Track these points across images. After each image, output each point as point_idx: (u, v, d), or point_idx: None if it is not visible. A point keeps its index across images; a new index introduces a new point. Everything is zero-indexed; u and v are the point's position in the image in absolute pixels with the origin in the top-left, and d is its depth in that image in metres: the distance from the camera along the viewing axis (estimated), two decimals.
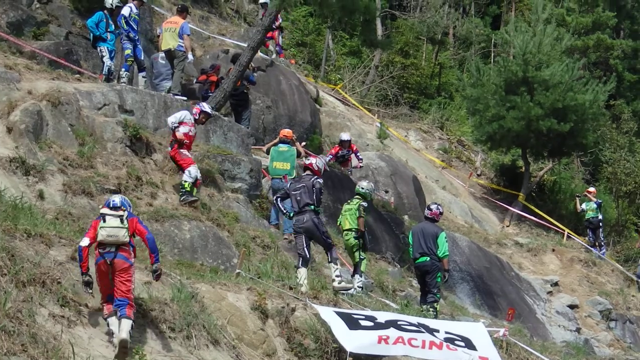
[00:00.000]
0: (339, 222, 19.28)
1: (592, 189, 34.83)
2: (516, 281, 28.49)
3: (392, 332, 14.21)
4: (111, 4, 21.62)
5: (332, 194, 24.51)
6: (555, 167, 40.24)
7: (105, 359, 11.00)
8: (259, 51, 27.17)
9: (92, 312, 11.65)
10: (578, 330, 27.59)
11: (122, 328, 11.12)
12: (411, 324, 14.79)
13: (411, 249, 18.91)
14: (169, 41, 22.73)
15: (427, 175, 35.73)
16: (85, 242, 11.40)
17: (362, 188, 19.21)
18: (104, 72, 21.37)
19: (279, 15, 29.78)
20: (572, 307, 28.65)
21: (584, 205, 33.53)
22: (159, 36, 24.51)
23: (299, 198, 17.02)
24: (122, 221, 11.56)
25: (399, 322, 14.69)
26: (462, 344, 14.81)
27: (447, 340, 14.67)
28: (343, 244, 19.65)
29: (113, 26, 21.50)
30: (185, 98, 22.39)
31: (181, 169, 18.51)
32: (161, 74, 24.36)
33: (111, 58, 21.42)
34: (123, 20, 21.60)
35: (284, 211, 17.68)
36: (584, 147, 37.80)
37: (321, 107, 34.41)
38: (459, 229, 30.79)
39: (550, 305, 28.55)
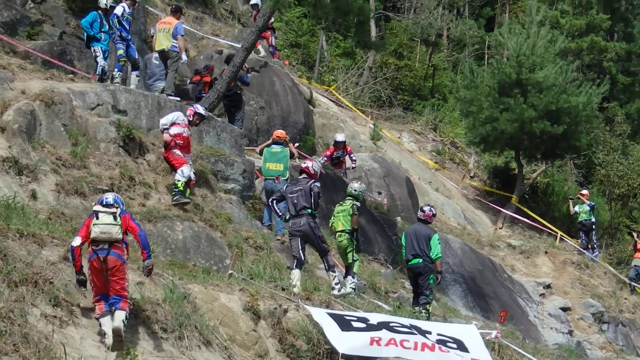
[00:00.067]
0: (330, 224, 19.25)
1: (585, 192, 34.90)
2: (509, 283, 28.51)
3: (384, 334, 14.22)
4: (105, 4, 21.60)
5: (325, 195, 24.36)
6: (548, 170, 40.26)
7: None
8: (252, 52, 27.13)
9: (84, 312, 11.64)
10: (570, 332, 27.62)
11: (116, 317, 11.23)
12: (403, 326, 14.79)
13: (404, 251, 18.91)
14: (162, 42, 22.72)
15: (420, 176, 35.75)
16: (77, 241, 11.43)
17: (354, 190, 19.20)
18: (97, 72, 21.35)
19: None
20: (564, 309, 28.67)
21: (577, 208, 33.59)
22: (152, 36, 24.49)
23: (295, 201, 16.99)
24: (115, 218, 11.58)
25: (391, 324, 14.69)
26: (454, 345, 14.82)
27: (439, 342, 14.68)
28: (335, 245, 19.63)
29: (107, 26, 21.47)
30: (178, 98, 22.38)
31: (174, 169, 18.50)
32: (155, 75, 24.38)
33: (105, 58, 21.40)
34: (115, 20, 21.58)
35: (280, 213, 17.67)
36: (577, 150, 37.83)
37: (315, 108, 34.40)
38: (451, 230, 30.81)
39: (543, 307, 28.58)
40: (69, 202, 16.35)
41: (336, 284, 16.81)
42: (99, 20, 21.34)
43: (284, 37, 45.42)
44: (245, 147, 24.27)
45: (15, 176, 16.04)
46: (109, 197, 12.01)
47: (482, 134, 35.33)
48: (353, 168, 27.58)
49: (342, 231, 18.57)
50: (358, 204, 19.08)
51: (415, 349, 14.26)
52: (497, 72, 35.32)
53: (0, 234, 12.00)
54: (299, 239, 16.78)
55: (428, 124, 43.69)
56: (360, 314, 15.36)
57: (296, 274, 16.28)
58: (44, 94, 18.15)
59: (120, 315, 11.24)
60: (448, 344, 14.78)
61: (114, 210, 11.67)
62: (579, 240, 33.41)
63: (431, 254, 18.37)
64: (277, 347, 13.82)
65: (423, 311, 17.87)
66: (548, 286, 29.79)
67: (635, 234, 32.78)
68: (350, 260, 18.33)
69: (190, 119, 19.45)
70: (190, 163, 19.12)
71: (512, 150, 37.36)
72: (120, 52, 21.71)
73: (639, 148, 42.28)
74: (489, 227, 35.41)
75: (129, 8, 22.21)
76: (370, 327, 14.39)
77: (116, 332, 11.07)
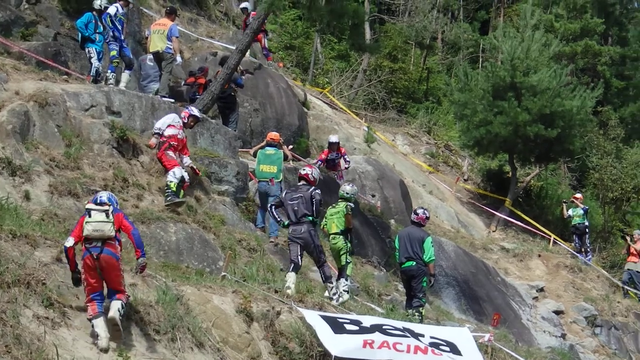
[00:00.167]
0: (322, 226, 19.16)
1: (578, 195, 34.92)
2: (502, 286, 28.51)
3: (377, 337, 14.21)
4: (99, 5, 21.61)
5: None
6: (542, 173, 40.35)
7: None
8: (247, 54, 27.12)
9: (76, 313, 11.62)
10: (563, 336, 27.63)
11: (111, 307, 11.34)
12: (396, 329, 14.79)
13: (397, 254, 18.91)
14: (157, 43, 22.71)
15: (414, 179, 35.78)
16: (70, 242, 11.43)
17: (346, 192, 19.11)
18: (91, 74, 21.34)
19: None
20: (557, 312, 28.69)
21: (570, 211, 33.59)
22: (147, 38, 24.45)
23: (296, 208, 16.95)
24: (107, 215, 11.58)
25: (384, 327, 14.68)
26: (447, 348, 14.82)
27: (432, 345, 14.68)
28: (329, 248, 19.61)
29: (102, 27, 21.49)
30: (173, 100, 22.37)
31: (167, 170, 18.50)
32: (149, 76, 24.37)
33: (99, 59, 21.42)
34: (108, 19, 21.55)
35: (278, 219, 17.59)
36: (571, 153, 37.88)
37: (309, 111, 34.41)
38: (445, 233, 30.83)
39: (536, 310, 28.58)
40: (62, 203, 16.32)
41: (334, 294, 16.80)
42: (93, 21, 21.37)
43: (279, 40, 45.46)
44: (239, 149, 24.26)
45: (9, 177, 16.01)
46: (103, 195, 12.08)
47: (476, 137, 35.37)
48: (346, 169, 27.50)
49: (336, 233, 18.53)
50: (352, 205, 19.05)
51: (408, 351, 14.25)
52: (491, 75, 35.35)
53: None
54: (298, 246, 16.77)
55: (422, 127, 43.77)
56: (353, 316, 15.35)
57: (292, 276, 16.25)
58: (38, 94, 18.12)
59: (115, 305, 11.36)
60: (441, 347, 14.78)
61: (106, 207, 11.68)
62: (573, 244, 33.41)
63: (424, 256, 18.39)
64: (269, 350, 13.80)
65: (416, 314, 17.88)
66: (541, 289, 29.80)
67: (628, 238, 32.79)
68: (343, 263, 18.28)
69: (185, 121, 19.47)
70: (191, 162, 19.16)
71: (506, 153, 37.39)
72: (114, 53, 21.70)
73: (633, 152, 42.26)
74: (482, 230, 35.43)
75: (123, 9, 22.19)
76: (363, 330, 14.37)
77: (111, 321, 11.20)
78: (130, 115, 20.33)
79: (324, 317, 14.43)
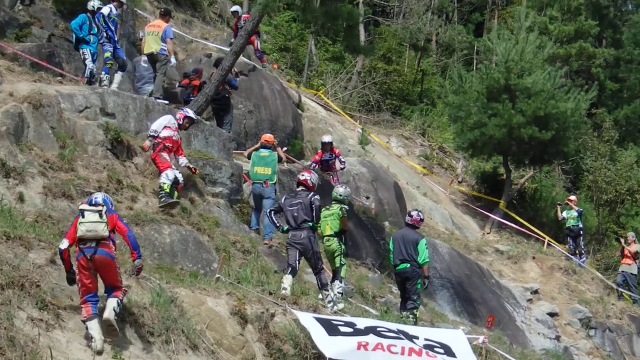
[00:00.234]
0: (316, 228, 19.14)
1: (573, 197, 34.87)
2: (496, 288, 28.50)
3: (371, 339, 14.22)
4: (93, 7, 21.58)
5: None
6: (536, 175, 40.33)
7: None
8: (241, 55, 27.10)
9: (70, 315, 11.60)
10: (557, 338, 27.61)
11: (107, 307, 11.38)
12: (391, 331, 14.79)
13: (391, 256, 18.92)
14: (151, 45, 22.70)
15: (408, 181, 35.76)
16: (64, 244, 11.45)
17: (340, 194, 19.06)
18: (85, 75, 21.32)
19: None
20: (551, 314, 28.67)
21: (564, 213, 33.57)
22: (141, 39, 24.45)
23: (295, 214, 16.98)
24: (100, 215, 11.60)
25: (378, 329, 14.69)
26: (442, 350, 14.82)
27: (426, 347, 14.68)
28: (323, 250, 19.60)
29: (96, 29, 21.45)
30: (167, 102, 22.34)
31: (160, 172, 18.48)
32: (143, 78, 24.34)
33: (93, 61, 21.39)
34: (101, 18, 21.51)
35: (277, 224, 17.57)
36: (565, 155, 37.92)
37: (303, 113, 34.37)
38: (439, 235, 30.82)
39: (530, 312, 28.57)
40: (56, 205, 16.30)
41: (329, 301, 16.79)
42: (88, 22, 21.35)
43: (273, 41, 45.45)
44: (234, 151, 24.21)
45: (3, 179, 15.97)
46: (98, 196, 12.13)
47: (471, 139, 35.36)
48: (342, 169, 27.41)
49: (330, 235, 18.50)
50: (347, 207, 19.02)
51: (403, 354, 14.26)
52: (485, 77, 35.34)
53: None
54: (297, 251, 16.78)
55: (416, 129, 43.76)
56: (348, 318, 15.35)
57: (289, 278, 16.26)
58: (32, 96, 18.09)
59: (111, 304, 11.38)
60: (435, 349, 14.78)
61: (99, 208, 11.68)
62: (567, 246, 33.40)
63: (419, 258, 18.40)
64: (264, 352, 13.79)
65: (410, 316, 17.89)
66: (535, 291, 29.78)
67: (622, 240, 32.74)
68: (337, 265, 18.25)
69: (180, 123, 19.47)
70: (187, 162, 19.15)
71: (500, 155, 37.38)
72: (108, 54, 21.67)
73: (627, 154, 42.33)
74: (476, 232, 35.43)
75: (116, 10, 22.16)
76: (358, 332, 14.38)
77: (106, 322, 11.24)
78: (125, 117, 20.29)
79: (318, 319, 14.43)
